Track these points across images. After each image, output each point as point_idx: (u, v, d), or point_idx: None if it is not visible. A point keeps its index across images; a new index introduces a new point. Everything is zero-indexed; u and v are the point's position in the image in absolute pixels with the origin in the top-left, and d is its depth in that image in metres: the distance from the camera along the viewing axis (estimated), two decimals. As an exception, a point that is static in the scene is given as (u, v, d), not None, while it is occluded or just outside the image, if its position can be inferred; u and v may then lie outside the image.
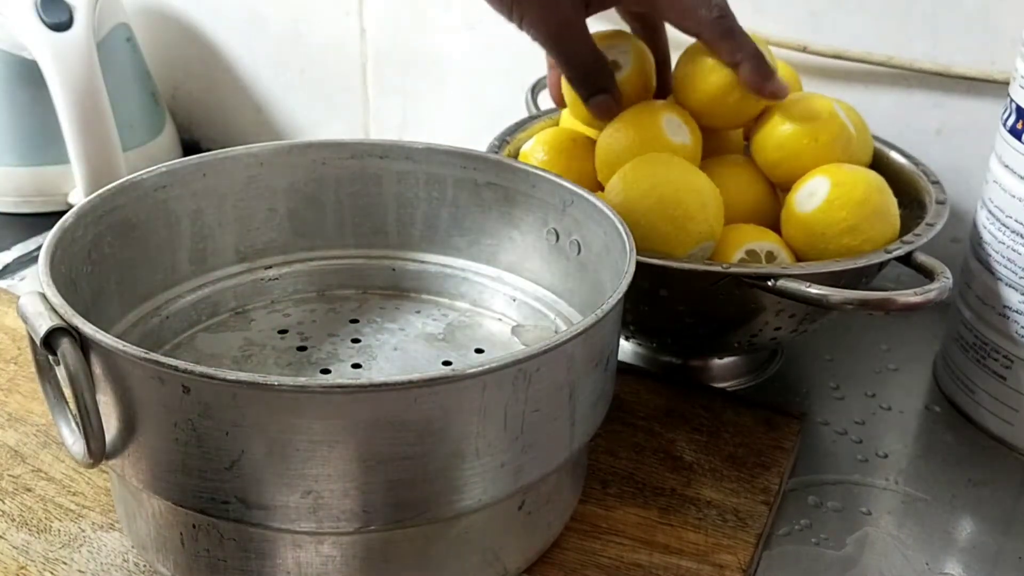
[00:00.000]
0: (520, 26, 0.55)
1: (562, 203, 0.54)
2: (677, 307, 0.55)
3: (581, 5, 0.56)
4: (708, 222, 0.54)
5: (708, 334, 0.58)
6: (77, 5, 0.76)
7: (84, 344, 0.38)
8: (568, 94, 0.60)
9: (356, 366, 0.53)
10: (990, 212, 0.56)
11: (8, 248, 0.77)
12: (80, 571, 0.46)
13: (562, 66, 0.58)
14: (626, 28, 0.62)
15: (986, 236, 0.57)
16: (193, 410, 0.37)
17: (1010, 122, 0.54)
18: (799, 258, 0.57)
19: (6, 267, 0.75)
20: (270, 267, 0.58)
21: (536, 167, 0.55)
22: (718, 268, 0.52)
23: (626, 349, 0.65)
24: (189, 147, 0.99)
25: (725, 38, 0.56)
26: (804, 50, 0.71)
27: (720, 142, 0.63)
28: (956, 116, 0.69)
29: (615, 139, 0.58)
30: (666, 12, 0.57)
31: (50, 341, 0.38)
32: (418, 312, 0.59)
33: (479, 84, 0.86)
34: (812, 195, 0.56)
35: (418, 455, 0.38)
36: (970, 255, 0.59)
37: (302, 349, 0.56)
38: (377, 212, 0.59)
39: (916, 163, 0.63)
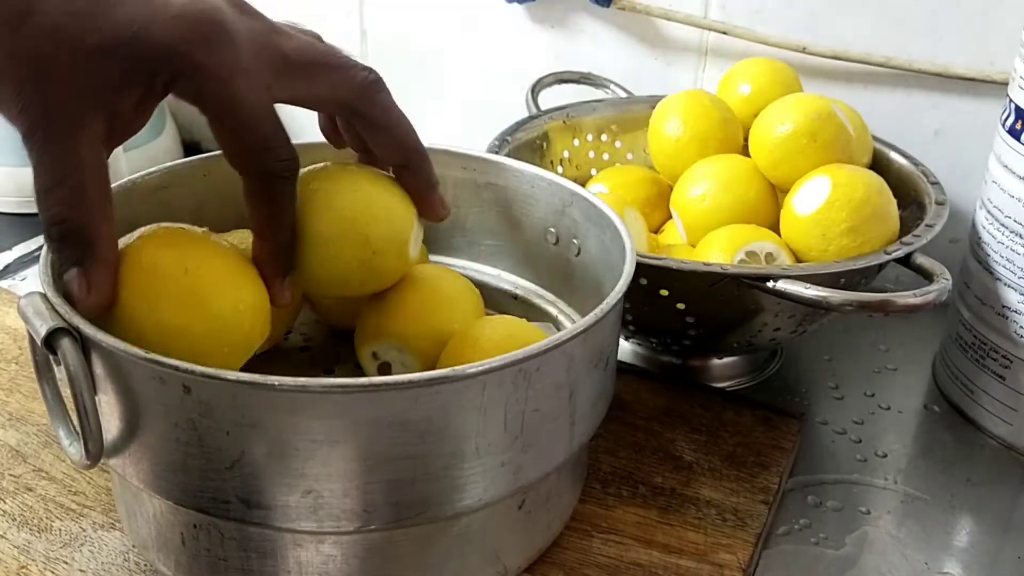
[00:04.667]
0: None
1: (562, 204, 0.54)
2: (677, 307, 0.55)
3: (91, 116, 0.38)
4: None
5: (708, 334, 0.58)
6: (78, 5, 0.76)
7: (85, 344, 0.38)
8: None
9: (359, 367, 0.53)
10: (989, 212, 0.56)
11: (9, 248, 0.77)
12: (81, 570, 0.46)
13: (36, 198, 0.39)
14: None
15: (985, 236, 0.57)
16: (194, 410, 0.37)
17: (1009, 122, 0.54)
18: (799, 259, 0.57)
19: (7, 267, 0.75)
20: (270, 267, 0.58)
21: (535, 167, 0.55)
22: (718, 269, 0.52)
23: (626, 349, 0.65)
24: (190, 147, 0.99)
25: (263, 197, 0.42)
26: (804, 51, 0.71)
27: (720, 142, 0.63)
28: (955, 117, 0.69)
29: None
30: (218, 138, 0.40)
31: (51, 341, 0.38)
32: (418, 312, 0.59)
33: (479, 84, 0.87)
34: (812, 196, 0.56)
35: (418, 454, 0.38)
36: (969, 255, 0.59)
37: (305, 350, 0.56)
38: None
39: (916, 164, 0.63)
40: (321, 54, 0.43)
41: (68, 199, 0.38)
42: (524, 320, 0.49)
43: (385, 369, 0.49)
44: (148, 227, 0.44)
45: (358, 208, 0.45)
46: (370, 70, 0.45)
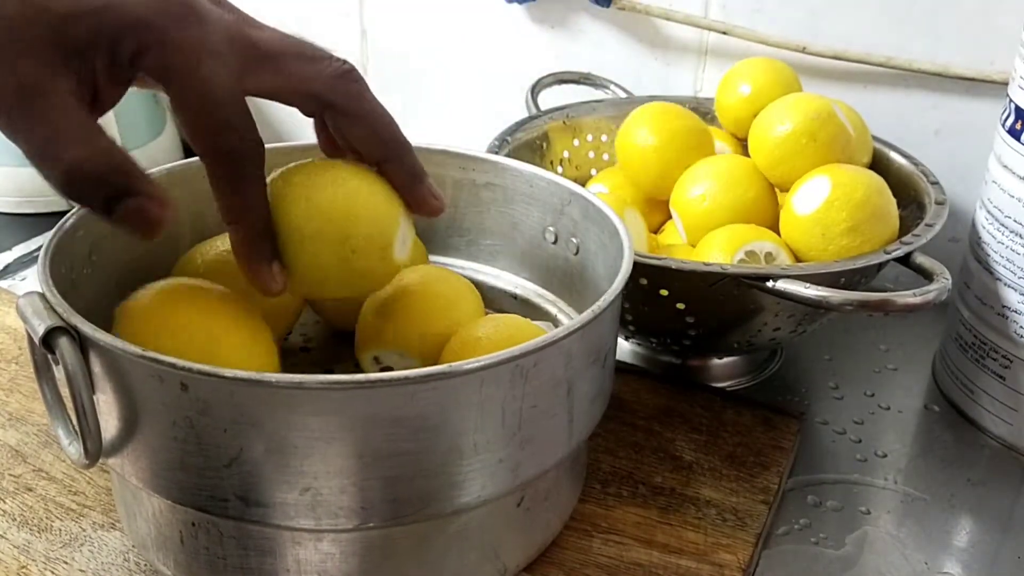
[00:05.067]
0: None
1: (560, 203, 0.54)
2: (677, 307, 0.55)
3: (66, 79, 0.38)
4: None
5: (708, 334, 0.58)
6: (78, 7, 0.76)
7: (83, 343, 0.38)
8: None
9: (359, 367, 0.53)
10: (989, 212, 0.56)
11: (9, 248, 0.77)
12: (81, 570, 0.46)
13: (41, 165, 0.37)
14: None
15: (985, 236, 0.57)
16: (192, 408, 0.37)
17: (1009, 122, 0.54)
18: (798, 259, 0.57)
19: (7, 267, 0.75)
20: (270, 267, 0.58)
21: (535, 167, 0.55)
22: (717, 268, 0.52)
23: (626, 349, 0.65)
24: (190, 148, 0.99)
25: (224, 181, 0.41)
26: (804, 50, 0.71)
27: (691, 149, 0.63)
28: (955, 117, 0.69)
29: None
30: (177, 112, 0.39)
31: (49, 340, 0.38)
32: (418, 312, 0.59)
33: (479, 84, 0.87)
34: (812, 196, 0.56)
35: (416, 451, 0.38)
36: (969, 255, 0.59)
37: (305, 350, 0.56)
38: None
39: (916, 163, 0.63)
40: (292, 45, 0.42)
41: (88, 151, 0.37)
42: (527, 319, 0.49)
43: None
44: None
45: (337, 204, 0.43)
46: (343, 61, 0.43)
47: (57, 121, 0.37)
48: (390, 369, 0.49)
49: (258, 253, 0.42)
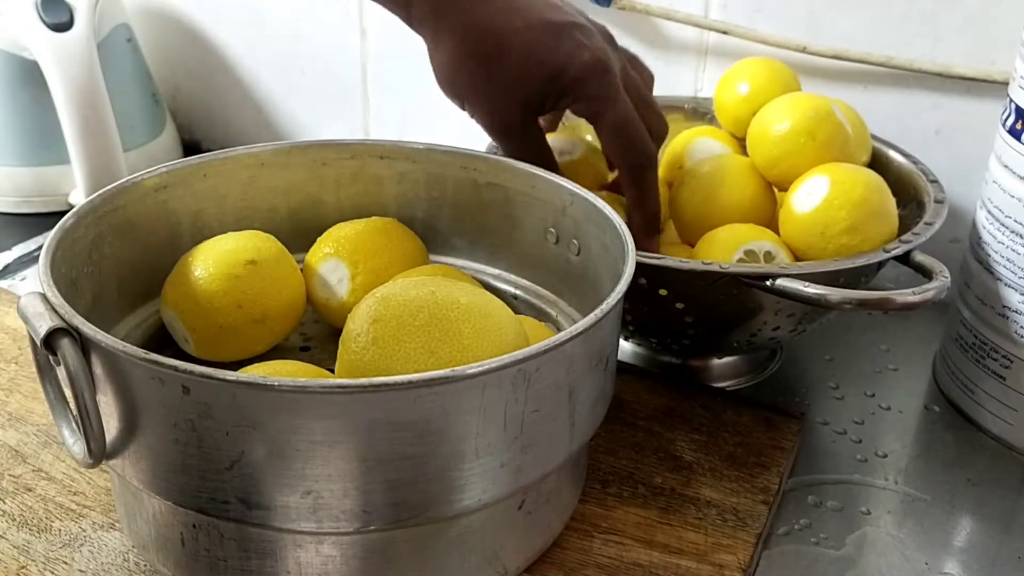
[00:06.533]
0: (473, 117, 0.56)
1: (562, 203, 0.54)
2: (676, 307, 0.55)
3: (529, 110, 0.55)
4: None
5: (707, 334, 0.58)
6: (78, 5, 0.76)
7: (84, 344, 0.38)
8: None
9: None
10: (989, 212, 0.56)
11: (9, 248, 0.77)
12: (81, 571, 0.46)
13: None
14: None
15: (985, 236, 0.57)
16: (193, 410, 0.37)
17: (1009, 122, 0.54)
18: (797, 258, 0.57)
19: (7, 267, 0.75)
20: (270, 267, 0.58)
21: (535, 167, 0.55)
22: (717, 268, 0.52)
23: (626, 349, 0.65)
24: (190, 147, 0.99)
25: (638, 183, 0.56)
26: (804, 50, 0.71)
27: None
28: (955, 116, 0.69)
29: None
30: (606, 143, 0.57)
31: (50, 342, 0.38)
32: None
33: (479, 84, 0.86)
34: (811, 195, 0.56)
35: (418, 455, 0.38)
36: (969, 255, 0.59)
37: (305, 350, 0.56)
38: (377, 212, 0.59)
39: (915, 162, 0.63)
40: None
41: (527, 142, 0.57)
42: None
43: None
44: None
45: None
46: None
47: (510, 123, 0.56)
48: None
49: (654, 229, 0.58)
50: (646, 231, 0.57)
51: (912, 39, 0.68)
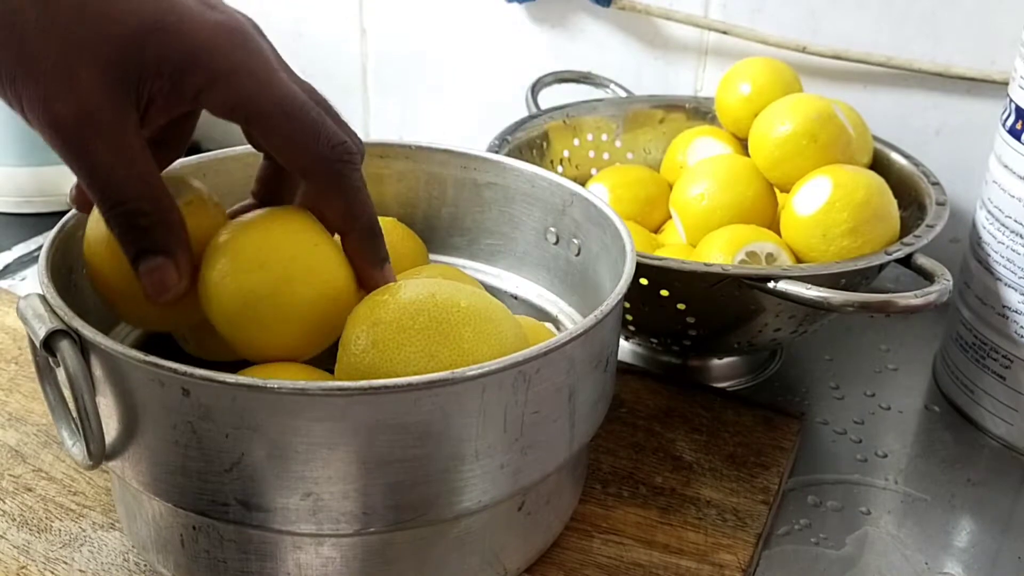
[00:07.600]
0: (23, 115, 0.39)
1: (562, 203, 0.54)
2: (677, 307, 0.55)
3: (129, 106, 0.37)
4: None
5: (708, 334, 0.58)
6: (77, 5, 0.76)
7: (84, 346, 0.38)
8: None
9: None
10: (989, 212, 0.56)
11: (8, 248, 0.77)
12: (80, 571, 0.46)
13: (91, 192, 0.39)
14: None
15: (985, 236, 0.57)
16: (193, 412, 0.37)
17: (1009, 122, 0.54)
18: (799, 259, 0.57)
19: (7, 267, 0.75)
20: (270, 267, 0.58)
21: (535, 167, 0.55)
22: (718, 269, 0.52)
23: (626, 349, 0.65)
24: (190, 147, 0.99)
25: (334, 189, 0.41)
26: (804, 50, 0.71)
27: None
28: (955, 116, 0.69)
29: None
30: (267, 137, 0.40)
31: (50, 344, 0.38)
32: (418, 312, 0.58)
33: (479, 84, 0.87)
34: (813, 197, 0.56)
35: (418, 457, 0.38)
36: (969, 255, 0.59)
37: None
38: (377, 212, 0.59)
39: (916, 164, 0.63)
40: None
41: (141, 191, 0.38)
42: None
43: None
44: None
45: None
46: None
47: (113, 165, 0.37)
48: None
49: (376, 253, 0.43)
50: (372, 252, 0.43)
51: (912, 39, 0.68)
